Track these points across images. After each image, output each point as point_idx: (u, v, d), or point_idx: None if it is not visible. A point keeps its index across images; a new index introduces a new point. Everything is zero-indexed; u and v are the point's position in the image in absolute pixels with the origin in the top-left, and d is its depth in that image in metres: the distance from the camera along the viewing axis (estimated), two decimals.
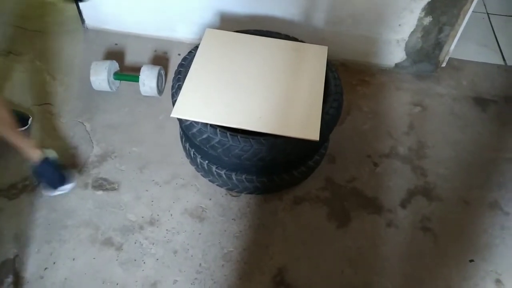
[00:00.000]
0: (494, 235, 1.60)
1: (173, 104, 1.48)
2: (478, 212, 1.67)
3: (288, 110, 1.46)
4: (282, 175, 1.57)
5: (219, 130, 1.39)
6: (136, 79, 1.90)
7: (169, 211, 1.60)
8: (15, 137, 1.46)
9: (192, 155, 1.61)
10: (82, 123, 1.85)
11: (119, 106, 1.93)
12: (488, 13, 2.64)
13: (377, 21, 2.01)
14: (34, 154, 1.50)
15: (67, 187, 1.59)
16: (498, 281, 1.48)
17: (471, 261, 1.53)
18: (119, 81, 2.00)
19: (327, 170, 1.75)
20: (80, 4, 1.90)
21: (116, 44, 2.23)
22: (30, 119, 1.79)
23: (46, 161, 1.51)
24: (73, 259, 1.46)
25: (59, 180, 1.57)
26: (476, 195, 1.72)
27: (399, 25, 2.01)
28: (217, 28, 1.77)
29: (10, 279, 1.40)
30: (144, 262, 1.46)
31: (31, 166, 1.52)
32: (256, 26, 1.75)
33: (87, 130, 1.83)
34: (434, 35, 2.04)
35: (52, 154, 1.57)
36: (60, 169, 1.57)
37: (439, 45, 2.08)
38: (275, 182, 1.57)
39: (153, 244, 1.51)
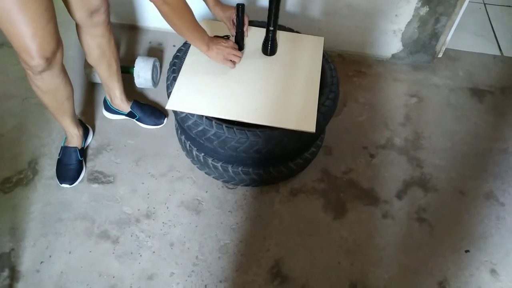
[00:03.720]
0: (489, 226, 1.61)
1: (168, 96, 1.47)
2: (474, 203, 1.67)
3: (284, 102, 1.46)
4: (278, 167, 1.56)
5: (215, 122, 1.38)
6: (130, 70, 1.88)
7: (165, 203, 1.59)
8: (118, 78, 1.68)
9: (188, 148, 1.60)
10: (77, 115, 1.84)
11: None
12: (484, 3, 2.63)
13: (373, 11, 2.00)
14: (126, 99, 1.76)
15: (160, 123, 1.82)
16: (493, 271, 1.50)
17: (467, 251, 1.54)
18: None
19: (324, 161, 1.75)
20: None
21: None
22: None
23: (135, 104, 1.78)
24: (69, 253, 1.45)
25: (152, 118, 1.80)
26: (472, 185, 1.72)
27: (396, 15, 2.00)
28: (212, 19, 1.75)
29: (6, 273, 1.39)
30: (141, 255, 1.46)
31: (131, 109, 1.78)
32: (251, 17, 1.73)
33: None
34: (431, 26, 2.03)
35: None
36: (151, 109, 1.81)
37: (435, 36, 2.07)
38: (271, 174, 1.57)
39: (149, 237, 1.50)
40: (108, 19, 1.46)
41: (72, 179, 1.60)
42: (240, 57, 1.54)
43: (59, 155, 1.64)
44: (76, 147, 1.63)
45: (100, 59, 1.56)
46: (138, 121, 1.80)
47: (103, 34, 1.48)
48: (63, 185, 1.59)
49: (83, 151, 1.67)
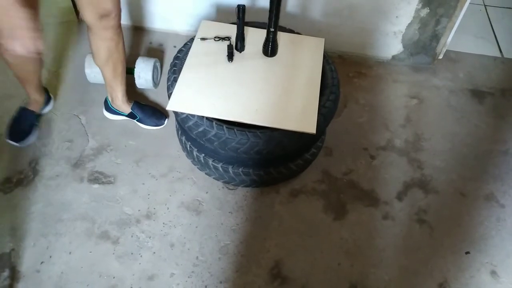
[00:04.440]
0: (489, 227, 1.61)
1: (169, 96, 1.47)
2: (474, 204, 1.67)
3: (285, 103, 1.46)
4: (279, 168, 1.56)
5: (215, 123, 1.38)
6: (131, 71, 1.88)
7: (165, 204, 1.59)
8: (122, 79, 1.67)
9: (188, 148, 1.60)
10: (77, 116, 1.84)
11: None
12: (485, 5, 2.64)
13: (374, 12, 2.00)
14: (127, 100, 1.76)
15: (161, 124, 1.82)
16: (493, 273, 1.49)
17: (467, 253, 1.54)
18: None
19: (324, 162, 1.75)
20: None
21: None
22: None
23: (136, 105, 1.78)
24: (70, 253, 1.45)
25: (152, 119, 1.80)
26: (472, 187, 1.72)
27: (396, 16, 2.00)
28: (213, 20, 1.75)
29: (6, 273, 1.39)
30: (141, 256, 1.46)
31: (131, 109, 1.78)
32: (252, 18, 1.74)
33: (82, 123, 1.82)
34: (431, 27, 2.03)
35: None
36: (151, 110, 1.81)
37: (436, 37, 2.07)
38: (272, 175, 1.57)
39: (149, 237, 1.50)
40: (118, 23, 1.47)
41: (21, 139, 1.65)
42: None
43: (15, 113, 1.69)
44: (34, 111, 1.71)
45: (107, 61, 1.57)
46: (139, 122, 1.80)
47: (112, 38, 1.49)
48: (11, 142, 1.64)
49: (39, 117, 1.76)
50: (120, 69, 1.63)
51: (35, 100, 1.72)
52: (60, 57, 2.07)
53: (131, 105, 1.77)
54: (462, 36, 2.30)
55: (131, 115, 1.79)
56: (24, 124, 1.68)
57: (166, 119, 1.83)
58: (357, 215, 1.61)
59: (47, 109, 1.82)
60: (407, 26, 2.03)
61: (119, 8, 1.42)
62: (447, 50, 2.19)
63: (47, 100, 1.80)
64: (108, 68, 1.60)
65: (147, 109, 1.80)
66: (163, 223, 1.54)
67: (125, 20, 2.23)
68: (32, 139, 1.69)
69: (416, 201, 1.66)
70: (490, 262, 1.52)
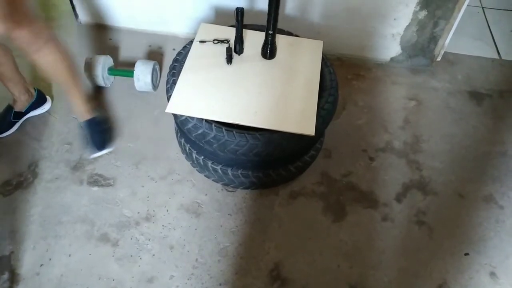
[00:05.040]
0: (488, 229, 1.61)
1: (168, 99, 1.47)
2: (473, 206, 1.68)
3: (284, 105, 1.46)
4: (278, 170, 1.57)
5: (214, 125, 1.38)
6: (130, 74, 1.89)
7: (165, 206, 1.59)
8: (76, 85, 1.59)
9: (187, 151, 1.60)
10: (76, 118, 1.84)
11: (113, 102, 1.93)
12: (483, 7, 2.65)
13: (372, 15, 2.01)
14: (85, 111, 1.66)
15: (105, 151, 1.72)
16: (492, 274, 1.50)
17: (466, 254, 1.54)
18: (113, 76, 1.99)
19: (323, 164, 1.75)
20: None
21: (110, 39, 2.21)
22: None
23: (94, 120, 1.69)
24: (69, 255, 1.45)
25: (102, 142, 1.71)
26: (471, 188, 1.73)
27: (395, 19, 2.01)
28: (211, 23, 1.76)
29: (6, 275, 1.39)
30: (141, 258, 1.46)
31: (79, 122, 1.70)
32: (250, 20, 1.74)
33: (81, 126, 1.82)
34: (429, 29, 2.04)
35: (101, 115, 1.73)
36: (106, 132, 1.74)
37: (434, 39, 2.08)
38: (271, 177, 1.57)
39: (149, 239, 1.50)
40: (22, 40, 1.33)
41: None
42: None
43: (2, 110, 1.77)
44: (12, 109, 1.75)
45: (42, 72, 1.51)
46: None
47: (24, 47, 1.37)
48: None
49: (21, 114, 1.79)
50: (64, 78, 1.53)
51: (17, 98, 1.74)
52: None
53: (88, 118, 1.68)
54: (460, 38, 2.30)
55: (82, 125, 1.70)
56: (2, 120, 1.75)
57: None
58: (356, 217, 1.61)
59: (43, 110, 1.84)
60: (405, 28, 2.04)
61: (16, 26, 1.27)
62: (445, 52, 2.20)
63: (39, 101, 1.82)
64: (53, 79, 1.59)
65: (96, 135, 1.70)
66: (163, 225, 1.54)
67: (124, 23, 2.24)
68: (6, 134, 1.75)
69: (415, 202, 1.67)
70: (489, 263, 1.52)
